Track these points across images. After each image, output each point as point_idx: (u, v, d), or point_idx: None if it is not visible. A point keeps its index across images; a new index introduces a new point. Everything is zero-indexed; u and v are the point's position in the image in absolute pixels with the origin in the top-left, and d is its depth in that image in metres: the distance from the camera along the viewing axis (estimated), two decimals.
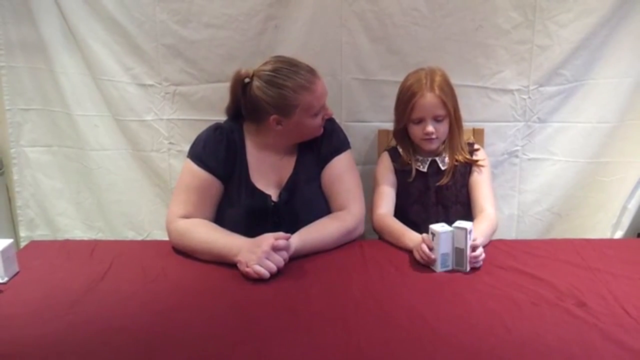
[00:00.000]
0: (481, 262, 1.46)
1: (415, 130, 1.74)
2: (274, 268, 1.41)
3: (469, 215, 1.74)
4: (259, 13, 1.93)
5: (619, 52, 1.93)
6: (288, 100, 1.58)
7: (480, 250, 1.45)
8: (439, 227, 1.45)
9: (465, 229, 1.43)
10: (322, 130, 1.69)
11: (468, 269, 1.44)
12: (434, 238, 1.44)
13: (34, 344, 1.16)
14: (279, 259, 1.43)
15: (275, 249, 1.43)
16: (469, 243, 1.42)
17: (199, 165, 1.64)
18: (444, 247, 1.44)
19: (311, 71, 1.61)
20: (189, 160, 1.67)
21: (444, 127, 1.73)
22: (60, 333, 1.20)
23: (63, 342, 1.17)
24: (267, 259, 1.41)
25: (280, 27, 1.95)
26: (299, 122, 1.62)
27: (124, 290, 1.38)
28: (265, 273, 1.39)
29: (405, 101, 1.72)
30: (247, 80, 1.62)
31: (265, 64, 1.62)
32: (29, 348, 1.15)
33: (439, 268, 1.44)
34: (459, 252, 1.44)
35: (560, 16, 1.90)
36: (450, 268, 1.45)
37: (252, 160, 1.69)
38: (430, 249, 1.45)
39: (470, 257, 1.43)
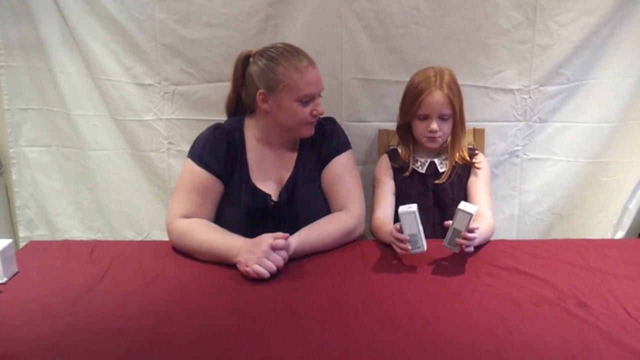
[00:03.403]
0: (470, 248, 1.47)
1: (420, 127, 1.75)
2: (273, 268, 1.40)
3: None
4: (258, 12, 1.93)
5: (620, 52, 1.92)
6: (274, 74, 1.58)
7: (475, 235, 1.45)
8: (402, 208, 1.47)
9: (471, 214, 1.43)
10: (312, 130, 1.67)
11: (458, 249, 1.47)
12: (401, 220, 1.46)
13: (33, 345, 1.16)
14: (279, 259, 1.42)
15: (275, 248, 1.42)
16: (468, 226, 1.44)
17: (199, 165, 1.64)
18: (408, 229, 1.45)
19: (309, 59, 1.62)
20: (189, 160, 1.67)
21: (447, 127, 1.74)
22: (59, 333, 1.19)
23: (62, 342, 1.17)
24: (267, 258, 1.41)
25: (280, 27, 1.94)
26: (282, 104, 1.60)
27: (123, 290, 1.38)
28: (264, 273, 1.39)
29: (413, 97, 1.72)
30: (248, 55, 1.65)
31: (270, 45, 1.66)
32: (28, 348, 1.15)
33: (411, 250, 1.46)
34: (455, 233, 1.45)
35: (561, 15, 1.89)
36: (422, 250, 1.46)
37: (253, 159, 1.69)
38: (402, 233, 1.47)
39: (463, 235, 1.43)
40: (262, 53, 1.63)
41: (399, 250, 1.49)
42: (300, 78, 1.58)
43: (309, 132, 1.67)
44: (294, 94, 1.59)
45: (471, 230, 1.45)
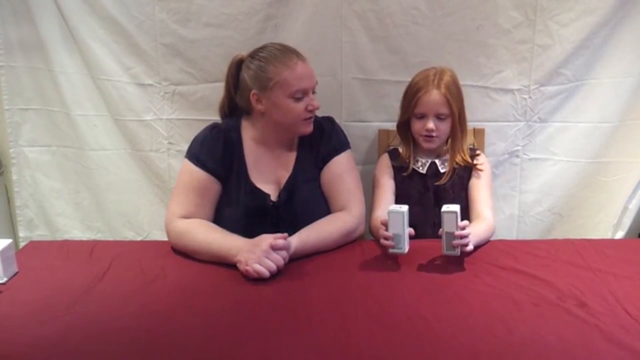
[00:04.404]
0: (470, 246, 1.46)
1: (417, 126, 1.75)
2: (273, 267, 1.40)
3: (466, 219, 1.74)
4: (258, 12, 1.93)
5: (620, 52, 1.92)
6: (265, 72, 1.59)
7: (468, 231, 1.45)
8: (393, 207, 1.47)
9: (455, 212, 1.43)
10: (310, 127, 1.66)
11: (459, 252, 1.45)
12: (389, 218, 1.46)
13: (33, 345, 1.16)
14: (279, 258, 1.42)
15: (275, 248, 1.42)
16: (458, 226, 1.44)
17: (196, 165, 1.64)
18: (393, 228, 1.45)
19: (297, 54, 1.62)
20: (186, 161, 1.67)
21: (445, 127, 1.74)
22: (59, 334, 1.19)
23: (62, 342, 1.17)
24: (267, 258, 1.41)
25: (280, 27, 1.94)
26: (276, 102, 1.60)
27: (123, 290, 1.38)
28: (264, 272, 1.39)
29: (411, 95, 1.73)
30: (241, 60, 1.66)
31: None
32: (28, 349, 1.15)
33: (391, 247, 1.46)
34: (449, 236, 1.45)
35: (561, 15, 1.89)
36: (402, 251, 1.45)
37: (251, 159, 1.69)
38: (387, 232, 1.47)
39: (457, 235, 1.43)
40: (252, 55, 1.64)
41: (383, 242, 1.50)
42: (290, 73, 1.58)
43: (306, 129, 1.66)
44: (285, 90, 1.59)
45: (462, 228, 1.45)
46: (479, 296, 1.32)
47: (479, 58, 1.96)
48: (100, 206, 2.20)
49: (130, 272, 1.47)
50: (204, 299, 1.35)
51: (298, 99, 1.60)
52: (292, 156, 1.72)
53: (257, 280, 1.40)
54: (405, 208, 1.46)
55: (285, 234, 1.48)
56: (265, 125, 1.67)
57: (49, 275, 1.47)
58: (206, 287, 1.41)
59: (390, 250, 1.47)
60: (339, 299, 1.32)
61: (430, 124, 1.72)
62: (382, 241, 1.49)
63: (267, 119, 1.65)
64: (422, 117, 1.73)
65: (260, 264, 1.40)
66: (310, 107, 1.62)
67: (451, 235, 1.45)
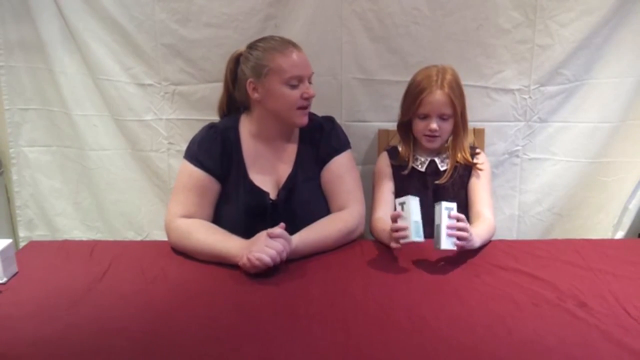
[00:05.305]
0: (469, 240, 1.45)
1: (419, 126, 1.74)
2: (273, 253, 1.40)
3: (466, 218, 1.74)
4: (258, 12, 1.93)
5: (620, 52, 1.92)
6: (260, 60, 1.60)
7: (464, 224, 1.44)
8: (407, 196, 1.47)
9: (441, 204, 1.44)
10: (306, 119, 1.66)
11: (442, 245, 1.43)
12: (404, 207, 1.45)
13: (33, 345, 1.16)
14: (278, 245, 1.42)
15: (272, 236, 1.43)
16: (445, 219, 1.44)
17: (195, 165, 1.64)
18: (414, 215, 1.44)
19: (293, 44, 1.64)
20: (185, 161, 1.67)
21: (448, 127, 1.73)
22: (59, 334, 1.19)
23: (62, 342, 1.17)
24: (266, 246, 1.41)
25: (280, 27, 1.94)
26: (270, 88, 1.60)
27: (123, 290, 1.38)
28: (265, 258, 1.39)
29: (414, 95, 1.72)
30: (239, 55, 1.68)
31: None
32: (28, 349, 1.15)
33: (413, 236, 1.43)
34: (437, 229, 1.44)
35: (561, 15, 1.89)
36: (421, 239, 1.43)
37: (249, 157, 1.69)
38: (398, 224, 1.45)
39: (454, 226, 1.42)
40: (249, 46, 1.66)
41: (394, 237, 1.47)
42: (284, 60, 1.59)
43: (301, 119, 1.66)
44: (280, 76, 1.59)
45: (457, 219, 1.44)
46: (479, 296, 1.32)
47: (479, 58, 1.96)
48: (100, 206, 2.20)
49: (130, 272, 1.47)
50: (204, 299, 1.35)
51: (293, 87, 1.61)
52: (292, 152, 1.71)
53: (257, 277, 1.40)
54: (417, 197, 1.47)
55: (282, 225, 1.47)
56: (261, 115, 1.67)
57: (48, 275, 1.47)
58: (206, 287, 1.41)
59: (412, 238, 1.42)
60: (339, 299, 1.32)
61: (434, 125, 1.71)
62: (396, 234, 1.45)
63: (264, 109, 1.65)
64: (425, 117, 1.73)
65: (260, 253, 1.40)
66: (305, 95, 1.62)
67: (437, 227, 1.44)
